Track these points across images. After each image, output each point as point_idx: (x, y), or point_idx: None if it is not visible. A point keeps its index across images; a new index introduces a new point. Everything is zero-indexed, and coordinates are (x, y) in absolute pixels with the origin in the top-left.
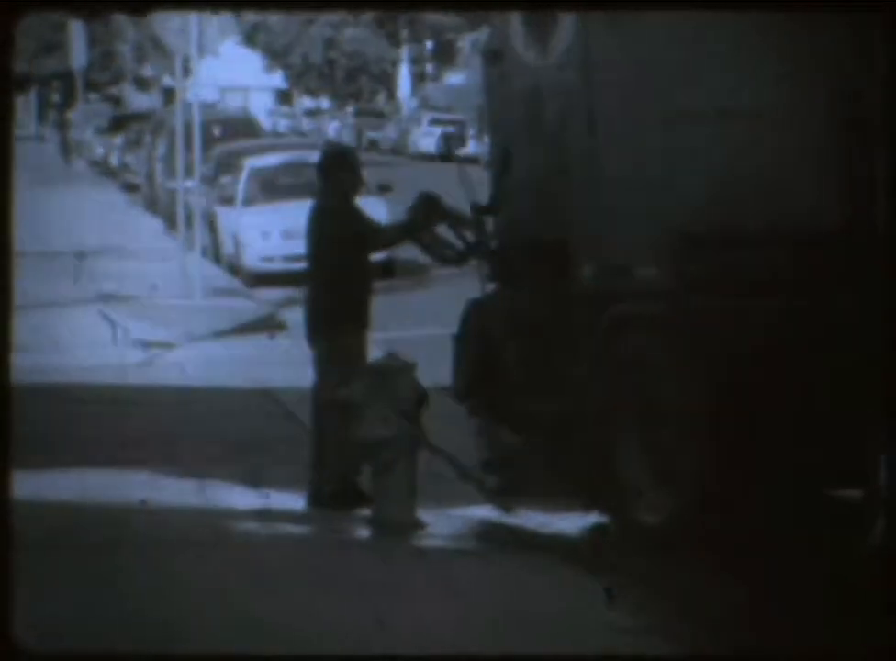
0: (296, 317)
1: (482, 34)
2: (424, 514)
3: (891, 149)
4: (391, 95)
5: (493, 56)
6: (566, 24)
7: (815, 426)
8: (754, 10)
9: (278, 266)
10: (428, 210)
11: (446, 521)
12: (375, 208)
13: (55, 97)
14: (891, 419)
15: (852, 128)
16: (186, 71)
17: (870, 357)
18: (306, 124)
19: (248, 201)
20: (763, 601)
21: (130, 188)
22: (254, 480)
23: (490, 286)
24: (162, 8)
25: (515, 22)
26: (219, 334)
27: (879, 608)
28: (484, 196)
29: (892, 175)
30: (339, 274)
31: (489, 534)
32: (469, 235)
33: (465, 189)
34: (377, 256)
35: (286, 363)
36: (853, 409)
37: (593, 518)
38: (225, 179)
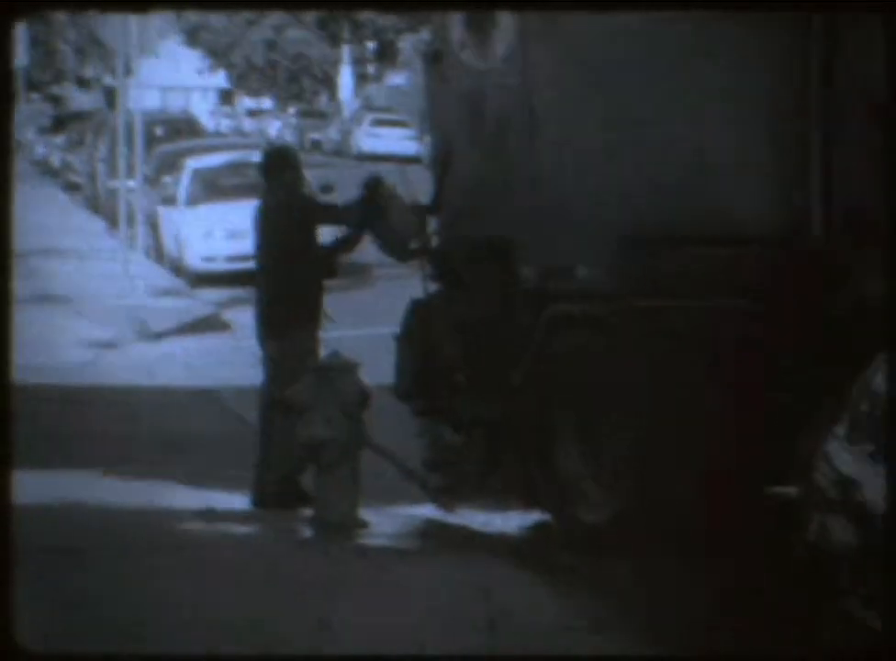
0: (238, 317)
1: (423, 35)
2: (367, 513)
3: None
4: (333, 95)
5: (434, 58)
6: (506, 26)
7: (753, 424)
8: (753, 10)
9: (221, 266)
10: (376, 189)
11: (389, 521)
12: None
13: None
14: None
15: (789, 132)
16: (128, 70)
17: (808, 356)
18: (248, 124)
19: (190, 201)
20: (706, 598)
21: (72, 188)
22: (198, 480)
23: (432, 286)
24: (161, 8)
25: (456, 24)
26: (162, 334)
27: (814, 605)
28: (425, 197)
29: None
30: (288, 271)
31: (432, 533)
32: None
33: (407, 189)
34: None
35: (229, 362)
36: (789, 407)
37: (534, 517)
38: (167, 179)
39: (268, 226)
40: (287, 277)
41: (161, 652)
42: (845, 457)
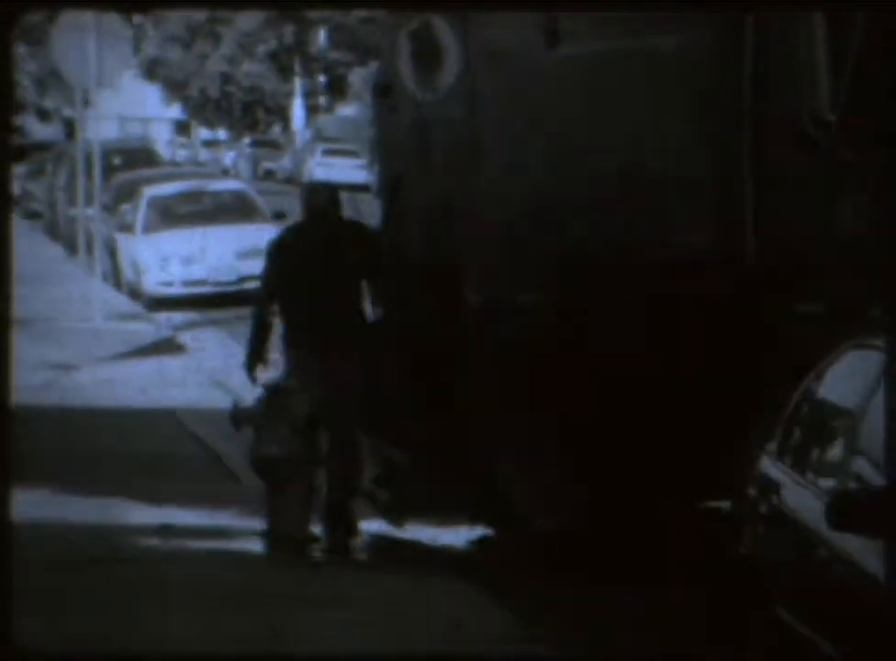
0: (194, 339)
1: (372, 69)
2: (319, 528)
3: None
4: (286, 126)
5: (382, 90)
6: (453, 59)
7: (688, 444)
8: (753, 10)
9: (177, 291)
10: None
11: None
12: (272, 235)
13: None
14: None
15: (723, 158)
16: (86, 102)
17: (740, 376)
18: (204, 154)
19: (147, 228)
20: (646, 610)
21: (32, 216)
22: (155, 497)
23: (378, 311)
24: (161, 8)
25: (403, 57)
26: (120, 356)
27: (747, 615)
28: (375, 224)
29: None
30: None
31: (382, 548)
32: None
33: (356, 216)
34: None
35: (185, 384)
36: (722, 423)
37: (479, 532)
38: (125, 207)
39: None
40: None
41: (160, 652)
42: (775, 471)
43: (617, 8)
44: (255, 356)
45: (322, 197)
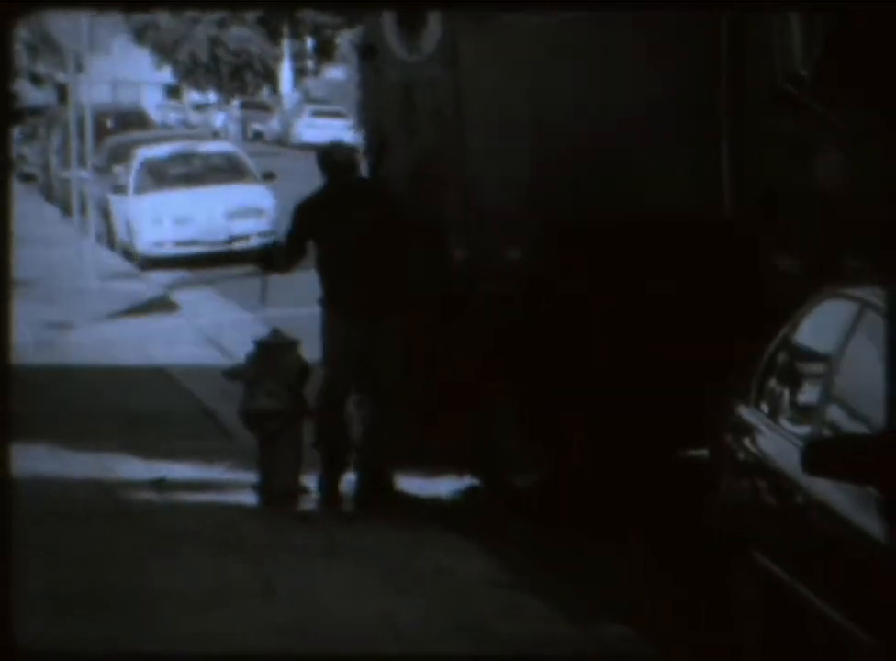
0: (186, 298)
1: (358, 31)
2: (309, 480)
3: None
4: (274, 89)
5: (368, 51)
6: (436, 21)
7: (672, 394)
8: (752, 10)
9: (169, 251)
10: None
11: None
12: (261, 195)
13: None
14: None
15: (703, 120)
16: (79, 67)
17: (720, 326)
18: (194, 117)
19: (139, 189)
20: (628, 560)
21: (27, 178)
22: (149, 452)
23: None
24: (161, 8)
25: (388, 19)
26: (115, 315)
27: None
28: None
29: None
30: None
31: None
32: None
33: None
34: (264, 239)
35: (178, 341)
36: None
37: (465, 482)
38: (117, 169)
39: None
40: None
41: (161, 652)
42: (752, 419)
43: (618, 7)
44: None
45: (343, 159)
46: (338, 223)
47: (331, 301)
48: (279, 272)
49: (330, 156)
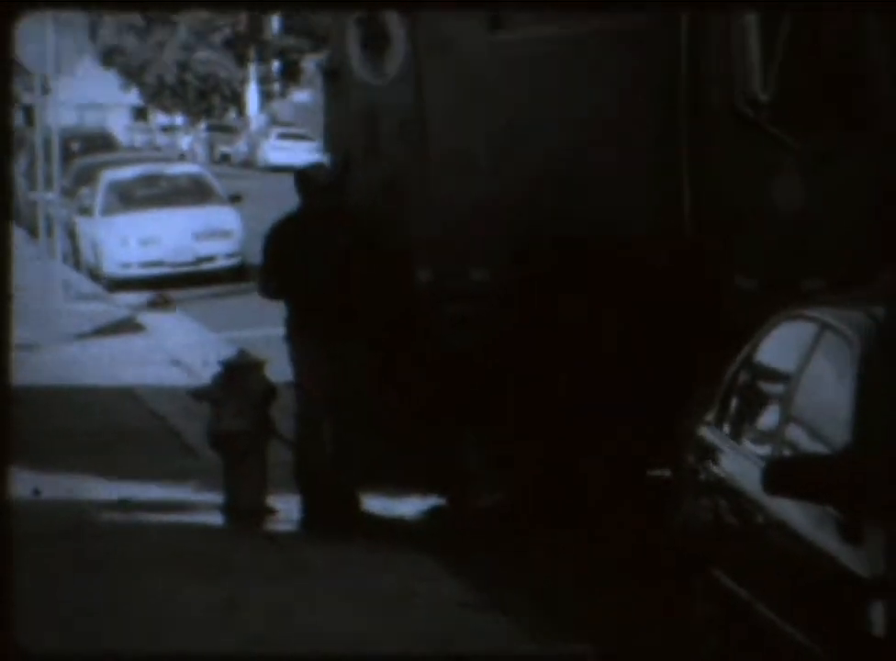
0: (152, 319)
1: (324, 55)
2: (275, 501)
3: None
4: (241, 111)
5: (332, 75)
6: (399, 44)
7: (633, 412)
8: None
9: (135, 272)
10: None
11: (296, 507)
12: (228, 217)
13: None
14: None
15: (662, 135)
16: (45, 89)
17: (680, 346)
18: (161, 139)
19: (105, 211)
20: (592, 577)
21: None
22: (115, 472)
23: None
24: (160, 8)
25: (352, 42)
26: (81, 336)
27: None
28: None
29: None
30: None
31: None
32: None
33: None
34: (230, 261)
35: (144, 362)
36: (661, 396)
37: (431, 502)
38: (84, 191)
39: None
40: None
41: (160, 652)
42: (713, 439)
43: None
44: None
45: (325, 180)
46: (314, 246)
47: (303, 324)
48: (273, 299)
49: (312, 177)
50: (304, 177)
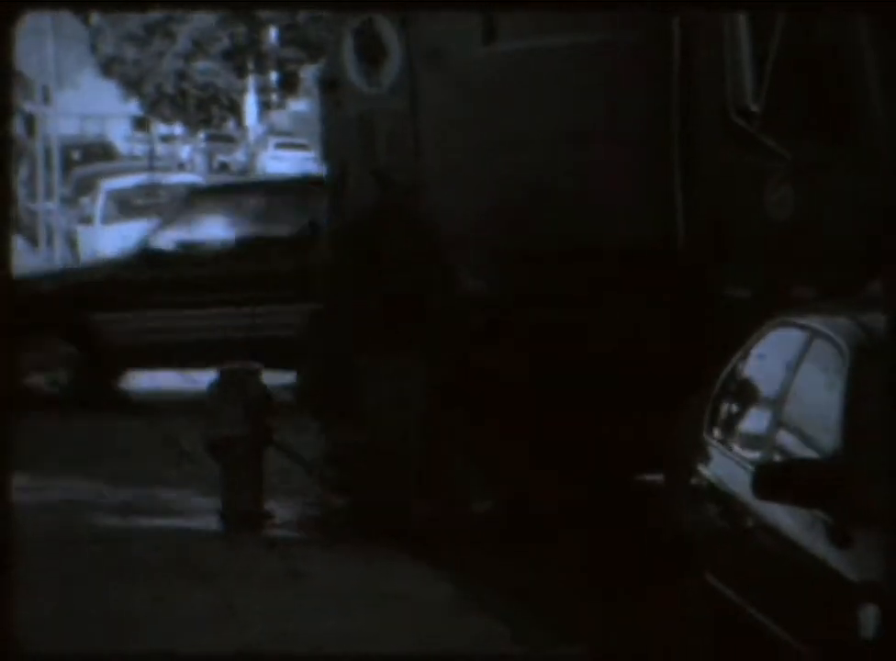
0: None
1: (321, 65)
2: (271, 506)
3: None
4: (240, 121)
5: (329, 85)
6: (395, 55)
7: (626, 422)
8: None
9: None
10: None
11: (292, 512)
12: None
13: None
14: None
15: (655, 147)
16: (46, 100)
17: (668, 356)
18: (161, 148)
19: (105, 220)
20: (577, 581)
21: None
22: (116, 479)
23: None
24: (160, 8)
25: (348, 53)
26: None
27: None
28: (323, 212)
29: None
30: None
31: (332, 523)
32: None
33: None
34: None
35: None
36: (655, 404)
37: (426, 508)
38: (84, 200)
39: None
40: None
41: (160, 652)
42: (705, 445)
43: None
44: None
45: (398, 191)
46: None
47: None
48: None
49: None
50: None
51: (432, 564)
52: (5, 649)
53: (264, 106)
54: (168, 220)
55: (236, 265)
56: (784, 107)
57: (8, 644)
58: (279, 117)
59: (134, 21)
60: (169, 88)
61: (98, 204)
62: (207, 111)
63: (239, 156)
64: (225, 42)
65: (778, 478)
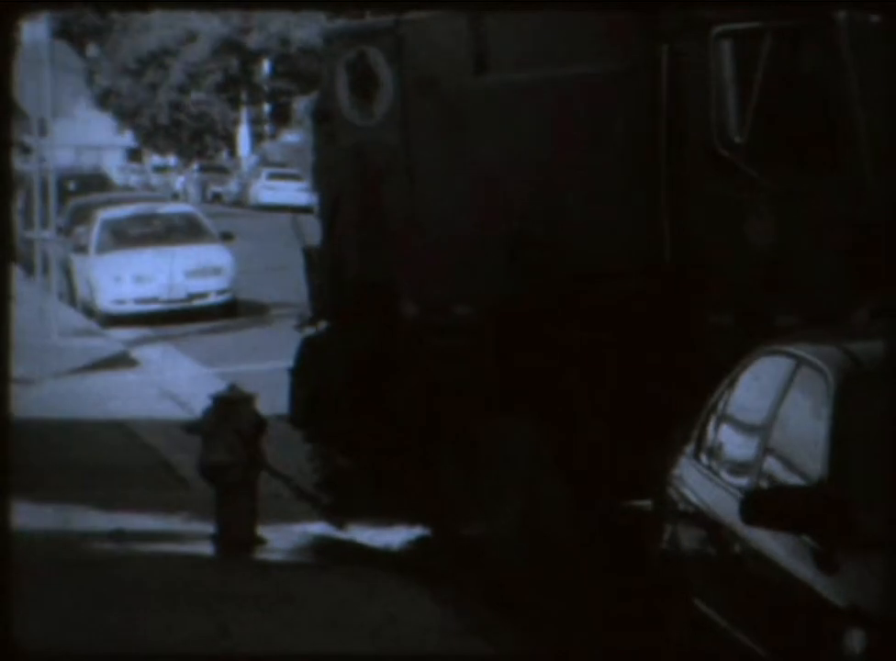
0: (146, 354)
1: (314, 97)
2: (265, 531)
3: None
4: (233, 152)
5: (322, 117)
6: (387, 87)
7: (612, 447)
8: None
9: (130, 308)
10: None
11: (285, 537)
12: (219, 254)
13: None
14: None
15: (642, 174)
16: (43, 131)
17: (660, 379)
18: (155, 179)
19: (100, 249)
20: (571, 605)
21: None
22: (109, 504)
23: (322, 324)
24: (160, 7)
25: (341, 85)
26: (76, 371)
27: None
28: (316, 242)
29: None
30: None
31: (324, 548)
32: None
33: (298, 236)
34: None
35: (139, 396)
36: (644, 428)
37: (416, 532)
38: (79, 229)
39: None
40: None
41: (160, 652)
42: (692, 471)
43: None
44: None
45: None
46: None
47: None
48: None
49: None
50: None
51: (424, 587)
52: (4, 648)
53: (257, 137)
54: None
55: None
56: (768, 138)
57: (8, 644)
58: (272, 148)
59: (129, 54)
60: (163, 119)
61: (93, 233)
62: (201, 142)
63: (232, 186)
64: (218, 75)
65: (765, 505)
